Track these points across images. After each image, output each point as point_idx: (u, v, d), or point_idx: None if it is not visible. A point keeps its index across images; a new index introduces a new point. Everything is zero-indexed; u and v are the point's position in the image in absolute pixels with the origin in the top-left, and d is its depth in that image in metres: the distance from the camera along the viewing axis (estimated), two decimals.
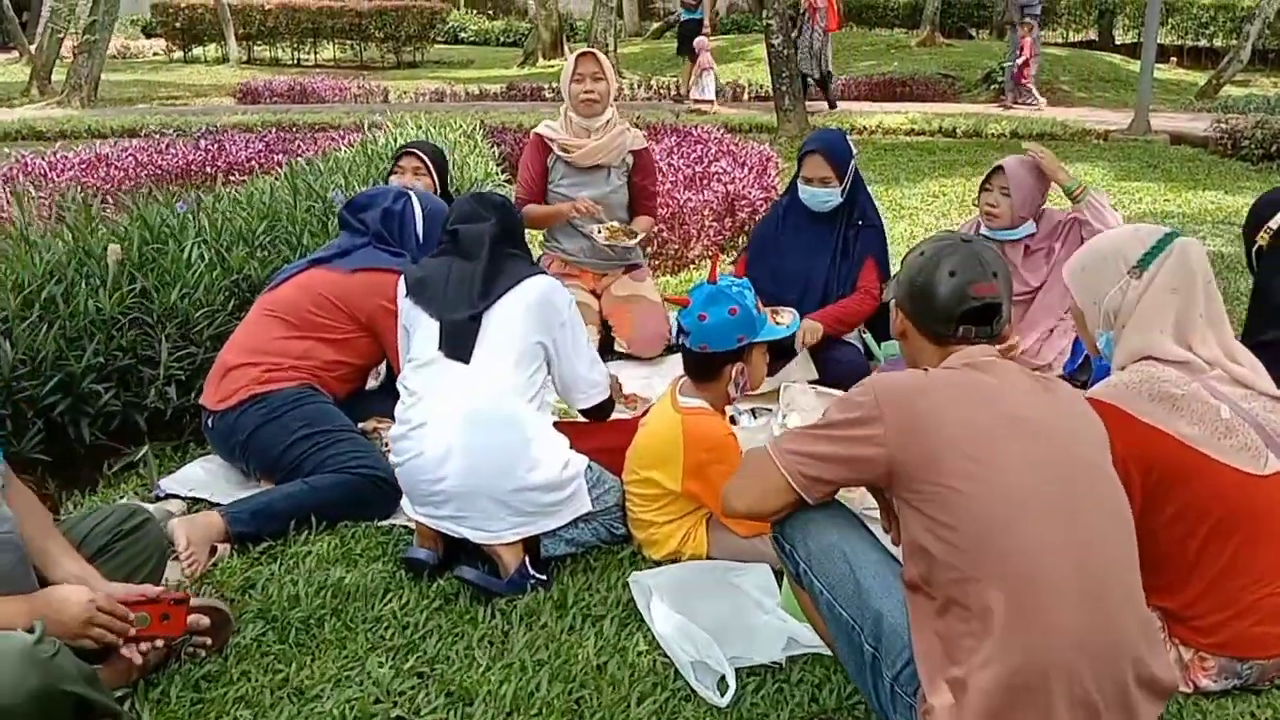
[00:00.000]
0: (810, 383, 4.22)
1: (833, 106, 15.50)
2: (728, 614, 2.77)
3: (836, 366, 4.47)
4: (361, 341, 3.58)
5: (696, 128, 10.39)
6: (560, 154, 5.05)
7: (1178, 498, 2.44)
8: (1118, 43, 23.28)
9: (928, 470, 2.05)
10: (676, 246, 7.00)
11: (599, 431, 3.39)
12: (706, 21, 17.26)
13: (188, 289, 3.86)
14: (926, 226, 8.28)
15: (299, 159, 7.03)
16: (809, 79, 14.87)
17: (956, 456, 2.03)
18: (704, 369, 3.01)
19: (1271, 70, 20.90)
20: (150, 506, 3.00)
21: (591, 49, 4.99)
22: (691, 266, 7.08)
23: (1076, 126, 13.80)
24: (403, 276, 3.22)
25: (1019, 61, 16.50)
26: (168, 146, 9.19)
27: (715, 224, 7.32)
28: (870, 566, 2.20)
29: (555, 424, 3.28)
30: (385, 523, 3.33)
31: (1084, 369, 4.41)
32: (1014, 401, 2.11)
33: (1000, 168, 4.43)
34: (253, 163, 8.69)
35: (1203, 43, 22.25)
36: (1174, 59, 21.84)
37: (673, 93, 18.14)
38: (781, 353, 4.59)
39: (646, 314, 5.10)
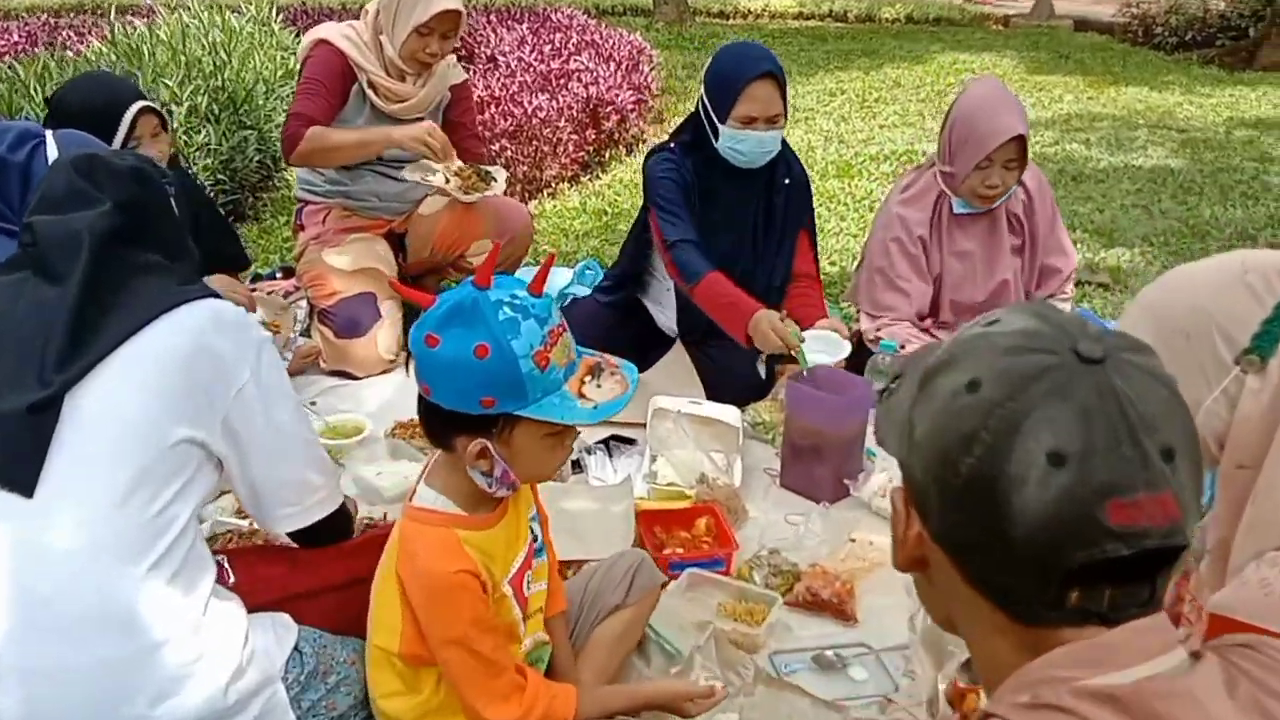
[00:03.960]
0: (684, 412, 2.92)
1: None
2: None
3: (727, 377, 3.19)
4: None
5: (556, 11, 8.83)
6: (371, 95, 3.54)
7: None
8: None
9: None
10: (526, 167, 5.59)
11: (330, 559, 2.00)
12: None
13: None
14: (825, 133, 7.00)
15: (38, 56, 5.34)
16: None
17: None
18: (433, 427, 1.71)
19: None
20: None
21: (458, 7, 3.45)
22: (545, 193, 5.69)
23: (974, 10, 12.77)
24: None
25: None
26: None
27: (575, 136, 5.93)
28: None
29: (244, 552, 1.96)
30: None
31: None
32: None
33: (1021, 138, 3.05)
34: (6, 58, 6.88)
35: None
36: None
37: None
38: (655, 339, 3.31)
39: (501, 205, 3.74)
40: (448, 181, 3.43)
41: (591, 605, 2.09)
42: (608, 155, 6.40)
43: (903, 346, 3.10)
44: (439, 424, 1.68)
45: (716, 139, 3.05)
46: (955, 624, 1.05)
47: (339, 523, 1.93)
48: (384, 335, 3.47)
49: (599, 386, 1.70)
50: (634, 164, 6.37)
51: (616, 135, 6.50)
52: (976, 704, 2.06)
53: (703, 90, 3.11)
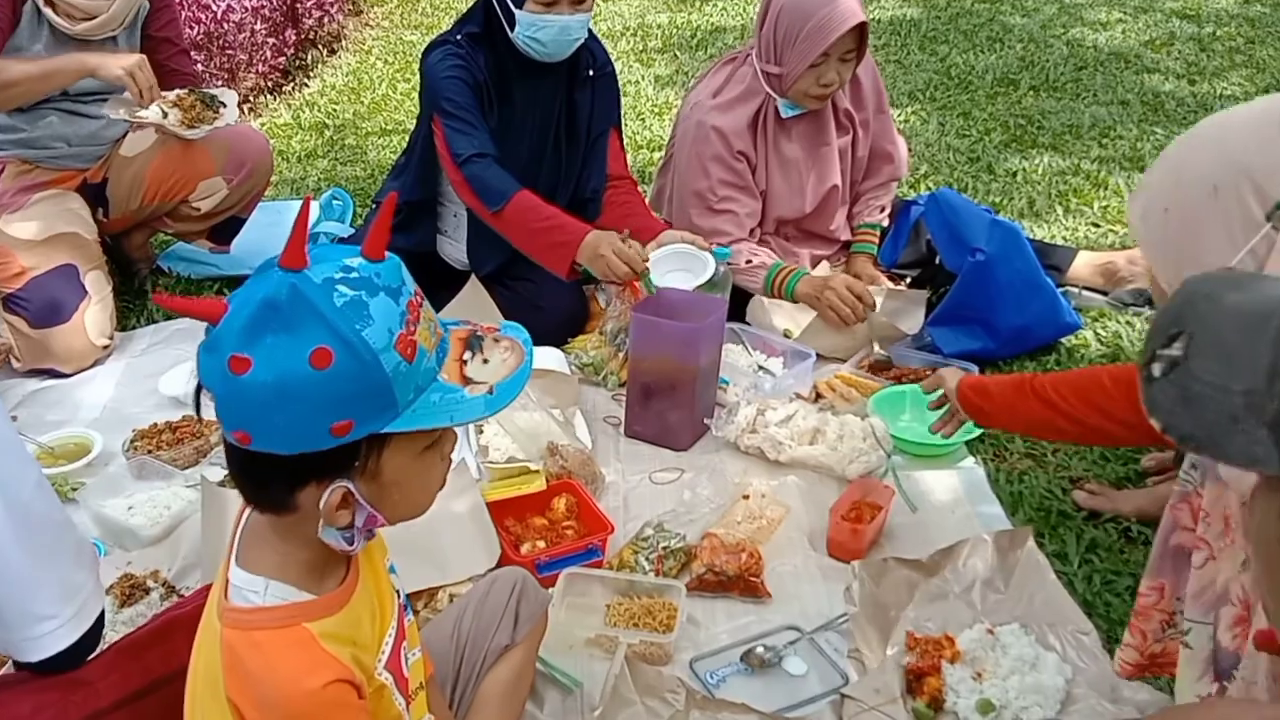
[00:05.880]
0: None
1: None
2: None
3: (537, 314, 2.65)
4: None
5: None
6: (49, 14, 2.70)
7: None
8: None
9: None
10: (222, 81, 4.76)
11: (116, 664, 1.42)
12: None
13: None
14: (626, 23, 6.29)
15: None
16: None
17: None
18: (260, 488, 1.16)
19: None
20: None
21: None
22: (245, 108, 4.87)
23: None
24: None
25: None
26: None
27: (272, 39, 5.11)
28: None
29: None
30: None
31: (921, 263, 2.93)
32: None
33: (862, 27, 2.62)
34: None
35: None
36: None
37: None
38: (443, 276, 2.80)
39: (228, 131, 2.95)
40: (165, 116, 2.70)
41: (471, 653, 1.59)
42: (309, 58, 5.60)
43: (748, 261, 2.71)
44: (270, 481, 1.12)
45: (512, 28, 2.49)
46: None
47: (93, 641, 1.35)
48: (94, 316, 2.73)
49: (486, 362, 1.17)
50: (343, 65, 5.62)
51: (315, 35, 5.69)
52: (941, 685, 1.75)
53: None
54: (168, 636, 1.46)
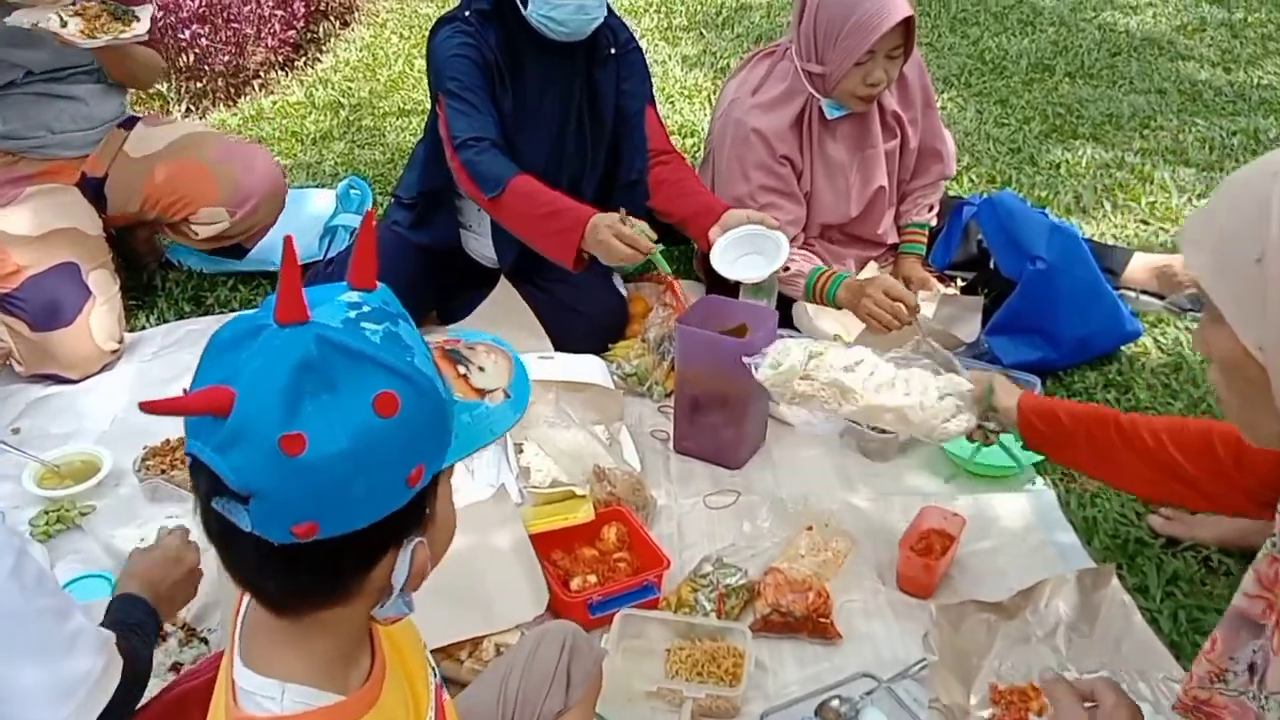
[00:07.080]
0: (539, 378, 2.23)
1: None
2: None
3: (574, 317, 2.52)
4: None
5: None
6: None
7: None
8: None
9: None
10: (228, 57, 4.57)
11: None
12: None
13: None
14: None
15: None
16: None
17: None
18: (327, 584, 0.94)
19: None
20: None
21: None
22: (256, 85, 4.69)
23: None
24: None
25: None
26: None
27: (281, 11, 4.93)
28: None
29: None
30: None
31: (973, 264, 2.77)
32: None
33: (909, 20, 2.43)
34: None
35: None
36: None
37: None
38: (472, 276, 2.64)
39: (240, 157, 2.81)
40: (64, 25, 2.44)
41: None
42: (321, 30, 5.40)
43: (785, 269, 2.56)
44: (342, 569, 0.94)
45: (526, 5, 2.34)
46: None
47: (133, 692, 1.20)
48: (100, 319, 2.55)
49: (482, 370, 1.04)
50: (356, 39, 5.43)
51: (326, 6, 5.50)
52: None
53: None
54: (178, 713, 1.33)
